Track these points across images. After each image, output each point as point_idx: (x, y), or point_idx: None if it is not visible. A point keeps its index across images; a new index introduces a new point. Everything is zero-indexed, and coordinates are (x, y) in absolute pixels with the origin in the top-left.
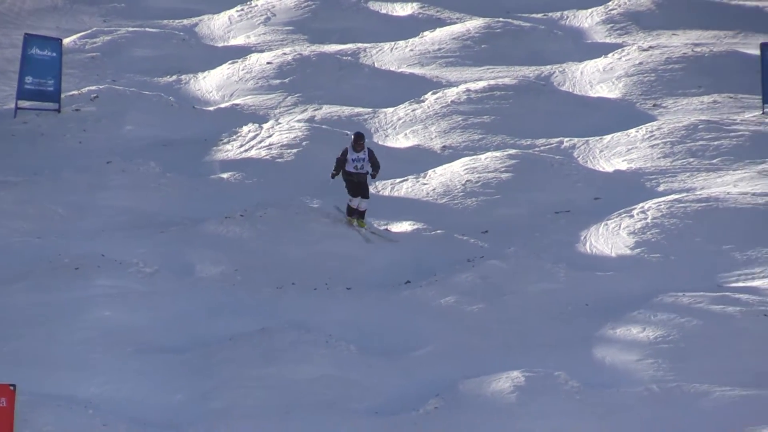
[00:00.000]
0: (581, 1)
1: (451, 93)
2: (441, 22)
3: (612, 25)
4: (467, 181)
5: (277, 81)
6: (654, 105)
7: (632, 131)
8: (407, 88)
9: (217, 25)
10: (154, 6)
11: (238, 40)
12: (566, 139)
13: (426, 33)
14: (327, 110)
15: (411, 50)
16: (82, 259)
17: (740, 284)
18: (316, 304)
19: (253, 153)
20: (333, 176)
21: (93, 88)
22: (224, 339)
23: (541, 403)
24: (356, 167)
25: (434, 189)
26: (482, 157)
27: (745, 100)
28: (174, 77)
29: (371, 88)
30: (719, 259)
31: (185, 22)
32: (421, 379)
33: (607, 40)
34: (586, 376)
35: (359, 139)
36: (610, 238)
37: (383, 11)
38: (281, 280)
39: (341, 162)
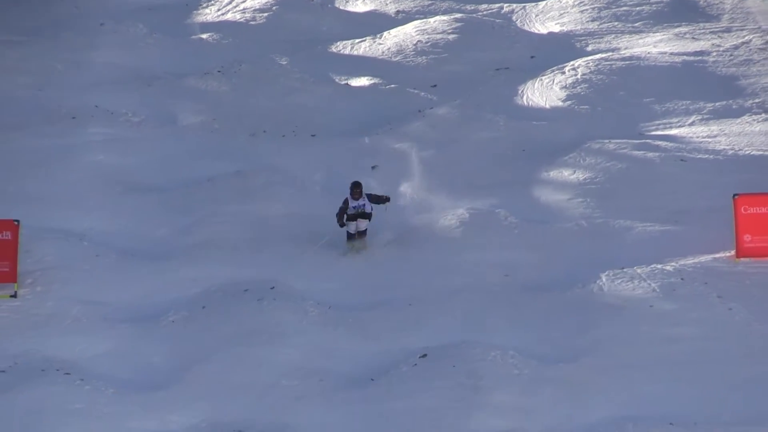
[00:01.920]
0: None
1: None
2: None
3: None
4: (418, 41)
5: None
6: None
7: None
8: None
9: None
10: None
11: None
12: (506, 5)
13: None
14: None
15: None
16: (78, 110)
17: (659, 132)
18: (285, 150)
19: (229, 16)
20: (341, 225)
21: None
22: (203, 180)
23: (484, 236)
24: (356, 211)
25: (389, 48)
26: (432, 20)
27: None
28: None
29: None
30: (641, 110)
31: None
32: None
33: None
34: (524, 213)
35: (356, 187)
36: (544, 92)
37: None
38: (254, 128)
39: (344, 211)
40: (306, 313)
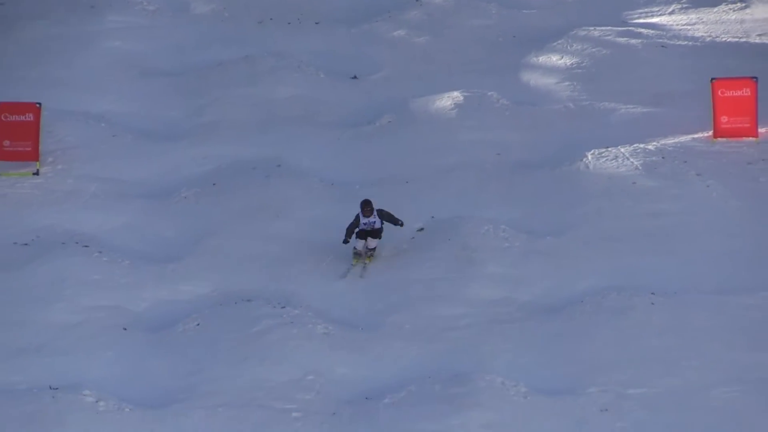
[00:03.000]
0: None
1: None
2: None
3: None
4: None
5: None
6: None
7: None
8: None
9: None
10: None
11: None
12: None
13: None
14: None
15: None
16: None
17: (641, 21)
18: (290, 36)
19: None
20: (345, 242)
21: None
22: (214, 65)
23: (477, 117)
24: (367, 228)
25: None
26: None
27: None
28: None
29: None
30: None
31: None
32: (377, 98)
33: None
34: (515, 95)
35: (366, 205)
36: None
37: None
38: (261, 15)
39: (353, 227)
40: (310, 189)
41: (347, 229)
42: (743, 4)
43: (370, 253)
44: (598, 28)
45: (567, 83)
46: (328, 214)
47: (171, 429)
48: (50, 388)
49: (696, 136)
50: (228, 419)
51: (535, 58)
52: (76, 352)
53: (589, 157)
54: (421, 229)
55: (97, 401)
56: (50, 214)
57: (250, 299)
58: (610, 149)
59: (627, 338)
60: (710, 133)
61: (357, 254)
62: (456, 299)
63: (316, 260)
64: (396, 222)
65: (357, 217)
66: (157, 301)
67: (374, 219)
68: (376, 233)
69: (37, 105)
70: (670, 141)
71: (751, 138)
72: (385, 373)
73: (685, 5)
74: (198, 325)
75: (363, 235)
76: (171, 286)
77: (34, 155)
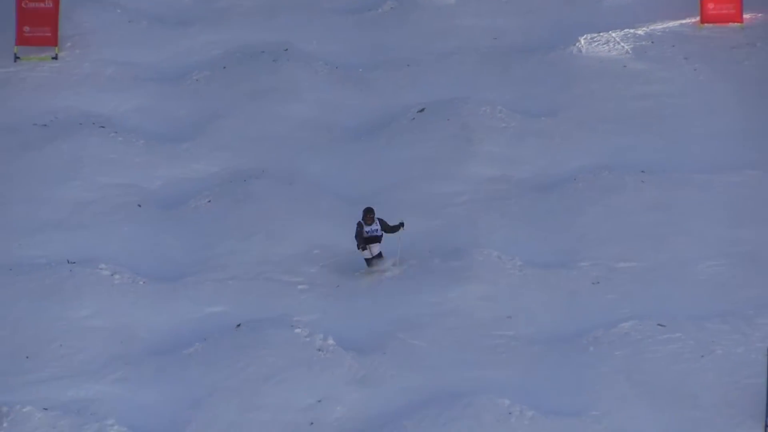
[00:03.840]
0: None
1: None
2: None
3: None
4: None
5: None
6: None
7: None
8: None
9: None
10: None
11: None
12: None
13: None
14: None
15: None
16: None
17: None
18: None
19: None
20: (361, 248)
21: None
22: None
23: (475, 3)
24: (368, 235)
25: None
26: None
27: None
28: None
29: None
30: None
31: None
32: None
33: None
34: None
35: (368, 213)
36: None
37: None
38: None
39: (360, 234)
40: (316, 72)
41: (356, 237)
42: None
43: (379, 259)
44: None
45: None
46: (332, 96)
47: (183, 301)
48: (68, 262)
49: (684, 21)
50: (237, 291)
51: None
52: (93, 227)
53: (582, 41)
54: (422, 110)
55: (112, 274)
56: (68, 97)
57: (258, 177)
58: (601, 34)
59: (618, 215)
60: (697, 18)
61: (369, 262)
62: (454, 177)
63: (320, 140)
64: (395, 229)
65: (360, 225)
66: (169, 179)
67: (376, 227)
68: (378, 239)
69: None
70: (659, 26)
71: (736, 23)
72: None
73: None
74: (209, 202)
75: (367, 241)
76: (183, 165)
77: (53, 40)
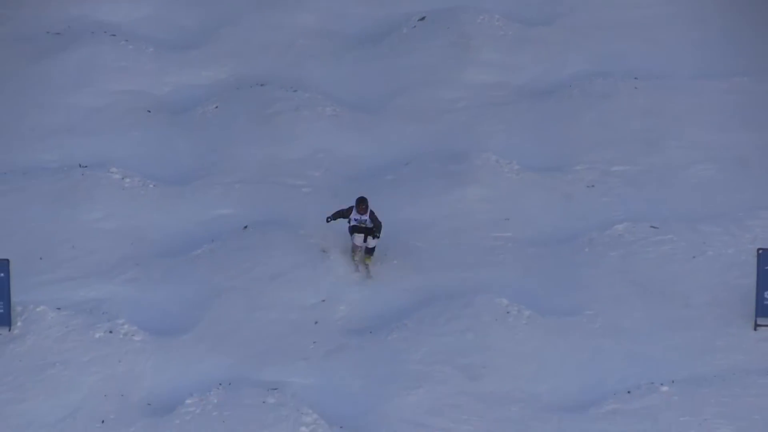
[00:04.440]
0: None
1: None
2: None
3: None
4: None
5: None
6: None
7: None
8: None
9: None
10: None
11: None
12: None
13: None
14: None
15: None
16: None
17: None
18: None
19: None
20: (328, 220)
21: None
22: None
23: None
24: (359, 224)
25: None
26: None
27: None
28: None
29: None
30: None
31: None
32: None
33: None
34: None
35: (362, 203)
36: None
37: None
38: None
39: (343, 213)
40: None
41: (336, 211)
42: None
43: (369, 253)
44: None
45: None
46: (336, 5)
47: (191, 203)
48: (80, 166)
49: None
50: (243, 194)
51: None
52: (104, 132)
53: None
54: (423, 18)
55: (123, 178)
56: (80, 5)
57: (264, 83)
58: None
59: (612, 120)
60: None
61: (355, 249)
62: (454, 83)
63: (324, 48)
64: (378, 228)
65: (350, 210)
66: (178, 85)
67: (366, 218)
68: (371, 232)
69: None
70: None
71: None
72: (388, 152)
73: None
74: (216, 107)
75: (361, 230)
76: (192, 72)
77: None
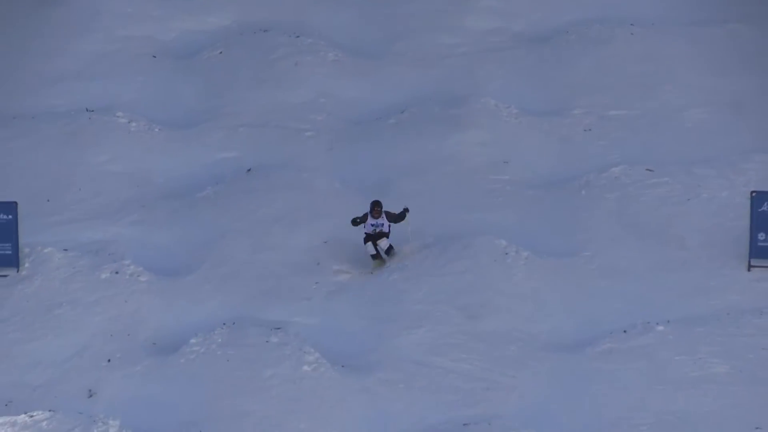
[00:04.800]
0: None
1: None
2: None
3: None
4: None
5: None
6: None
7: None
8: None
9: None
10: None
11: None
12: None
13: None
14: None
15: None
16: None
17: None
18: None
19: None
20: (356, 223)
21: None
22: None
23: None
24: (374, 230)
25: None
26: None
27: None
28: None
29: None
30: None
31: None
32: None
33: None
34: None
35: (376, 206)
36: None
37: None
38: None
39: (358, 222)
40: None
41: (353, 219)
42: None
43: (388, 252)
44: None
45: None
46: None
47: (196, 147)
48: (87, 110)
49: None
50: (247, 138)
51: None
52: (111, 77)
53: None
54: None
55: (129, 122)
56: None
57: (267, 29)
58: None
59: (608, 65)
60: None
61: (374, 257)
62: (454, 29)
63: None
64: (402, 218)
65: (365, 216)
66: (183, 31)
67: (382, 221)
68: (384, 235)
69: None
70: None
71: None
72: (389, 96)
73: None
74: (221, 53)
75: (371, 238)
76: (197, 18)
77: None
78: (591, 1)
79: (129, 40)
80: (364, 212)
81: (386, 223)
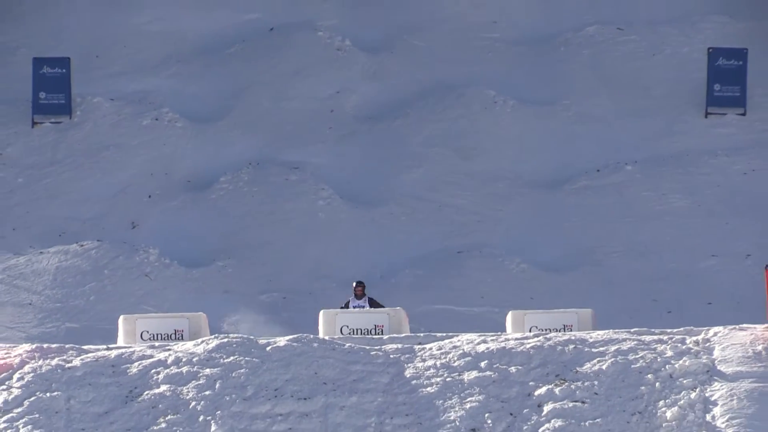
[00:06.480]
0: None
1: None
2: None
3: None
4: None
5: None
6: None
7: None
8: None
9: None
10: None
11: None
12: None
13: None
14: None
15: None
16: None
17: None
18: None
19: None
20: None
21: None
22: None
23: None
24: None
25: None
26: None
27: None
28: None
29: None
30: None
31: None
32: None
33: None
34: None
35: (358, 286)
36: None
37: None
38: None
39: (344, 306)
40: None
41: (340, 308)
42: None
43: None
44: None
45: None
46: None
47: (225, 8)
48: None
49: None
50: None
51: None
52: None
53: None
54: None
55: None
56: None
57: None
58: None
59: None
60: None
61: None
62: None
63: None
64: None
65: (347, 303)
66: None
67: (364, 304)
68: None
69: None
70: None
71: None
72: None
73: None
74: None
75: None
76: None
77: None
78: None
79: None
80: (345, 301)
81: (368, 305)
